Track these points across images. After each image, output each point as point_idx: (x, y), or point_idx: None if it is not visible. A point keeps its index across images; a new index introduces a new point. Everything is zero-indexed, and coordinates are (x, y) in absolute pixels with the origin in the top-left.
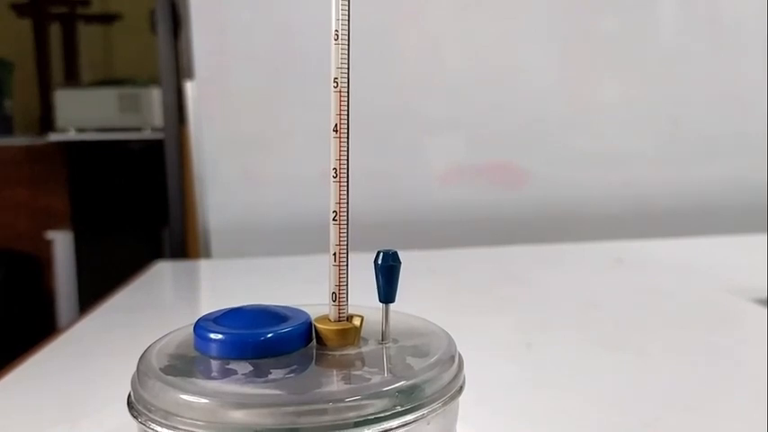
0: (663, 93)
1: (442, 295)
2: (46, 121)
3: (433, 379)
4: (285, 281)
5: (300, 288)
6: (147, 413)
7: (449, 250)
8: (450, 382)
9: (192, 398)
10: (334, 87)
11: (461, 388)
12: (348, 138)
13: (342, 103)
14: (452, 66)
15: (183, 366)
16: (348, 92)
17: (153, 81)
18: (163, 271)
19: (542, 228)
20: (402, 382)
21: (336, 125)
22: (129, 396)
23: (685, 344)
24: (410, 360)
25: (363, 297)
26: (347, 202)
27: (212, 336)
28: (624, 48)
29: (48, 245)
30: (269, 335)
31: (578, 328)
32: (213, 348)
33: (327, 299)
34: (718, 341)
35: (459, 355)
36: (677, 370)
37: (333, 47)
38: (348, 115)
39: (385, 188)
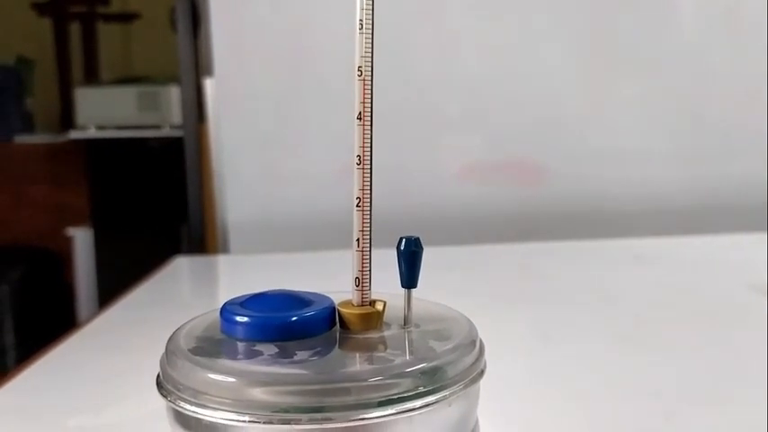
0: (681, 89)
1: (459, 291)
2: (66, 119)
3: (454, 361)
4: (303, 276)
5: (318, 283)
6: (176, 392)
7: (465, 247)
8: (471, 366)
9: (219, 377)
10: (359, 76)
11: (482, 372)
12: (372, 125)
13: (366, 92)
14: (470, 62)
15: (210, 348)
16: (372, 80)
17: (172, 79)
18: (181, 266)
19: (560, 225)
20: (424, 364)
21: (360, 113)
22: (158, 376)
23: (704, 339)
24: (432, 343)
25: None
26: (371, 189)
27: (239, 318)
28: (642, 44)
29: (68, 241)
30: (294, 318)
31: (597, 324)
32: (239, 331)
33: (350, 284)
34: (737, 337)
35: (481, 340)
36: (697, 365)
37: (357, 36)
38: (372, 103)
39: (402, 184)
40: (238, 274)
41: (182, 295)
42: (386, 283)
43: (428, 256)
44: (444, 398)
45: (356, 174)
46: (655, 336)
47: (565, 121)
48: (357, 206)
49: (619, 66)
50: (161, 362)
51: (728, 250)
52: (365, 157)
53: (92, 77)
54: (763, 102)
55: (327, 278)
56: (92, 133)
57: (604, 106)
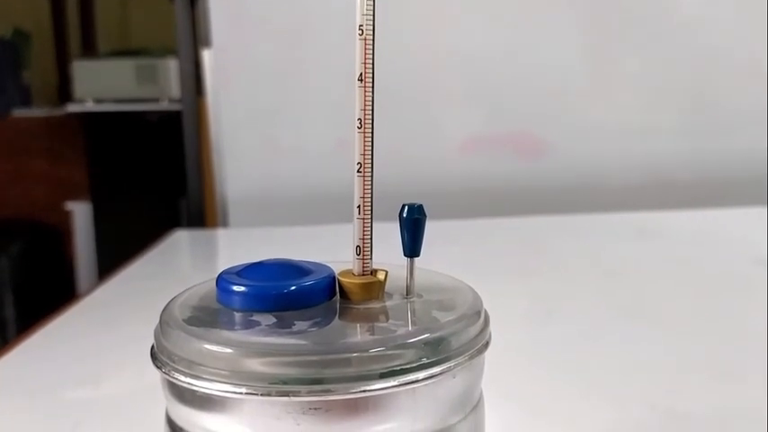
0: (683, 63)
1: (461, 265)
2: (64, 92)
3: (459, 332)
4: (303, 249)
5: (318, 255)
6: (170, 363)
7: (468, 220)
8: (476, 337)
9: (215, 347)
10: (360, 35)
11: (487, 343)
12: (373, 87)
13: (367, 52)
14: (471, 35)
15: (206, 318)
16: (373, 40)
17: (170, 52)
18: (180, 239)
19: (561, 198)
20: (428, 335)
21: (362, 74)
22: (153, 347)
23: (706, 312)
24: (436, 314)
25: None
26: (372, 154)
27: (235, 288)
28: (644, 18)
29: (67, 215)
30: (292, 287)
31: (599, 297)
32: (236, 301)
33: (351, 256)
34: (738, 310)
35: (485, 311)
36: (699, 338)
37: None
38: (373, 64)
39: (403, 158)
40: (237, 248)
41: (181, 268)
42: (387, 257)
43: (430, 230)
44: (449, 369)
45: (357, 138)
46: (656, 309)
47: (567, 95)
48: (358, 172)
49: (621, 39)
50: (155, 333)
51: (730, 224)
52: (366, 121)
53: (89, 50)
54: (763, 75)
55: (327, 251)
56: (90, 107)
57: (606, 80)
